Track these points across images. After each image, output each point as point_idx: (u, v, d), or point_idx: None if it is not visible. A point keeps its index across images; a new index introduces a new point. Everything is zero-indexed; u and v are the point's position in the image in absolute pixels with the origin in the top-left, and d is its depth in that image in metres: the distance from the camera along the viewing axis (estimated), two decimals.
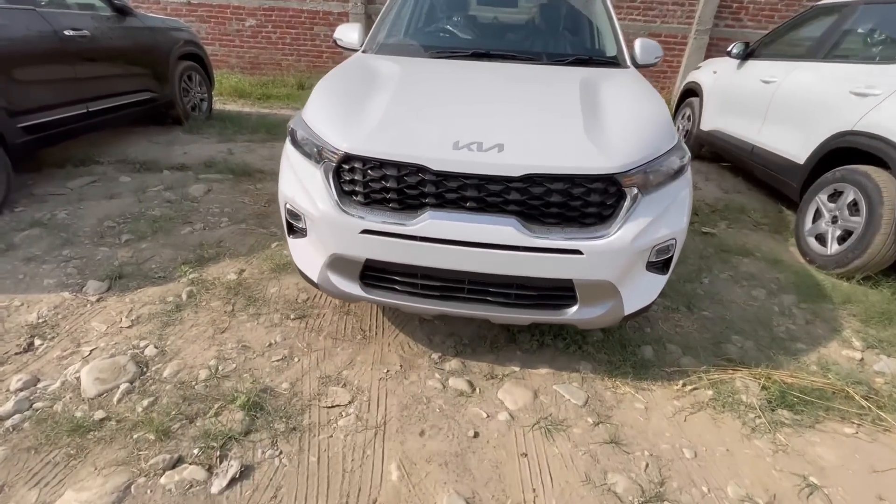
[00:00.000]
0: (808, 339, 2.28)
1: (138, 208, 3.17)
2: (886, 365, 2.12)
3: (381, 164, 1.61)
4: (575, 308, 1.73)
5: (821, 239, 2.88)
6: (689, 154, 1.79)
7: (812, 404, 1.85)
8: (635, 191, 1.60)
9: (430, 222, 1.58)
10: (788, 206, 3.80)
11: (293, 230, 1.95)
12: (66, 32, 3.38)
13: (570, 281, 1.65)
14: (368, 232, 1.64)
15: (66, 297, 2.25)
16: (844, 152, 2.75)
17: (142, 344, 2.00)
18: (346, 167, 1.67)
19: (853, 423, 1.80)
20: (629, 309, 1.76)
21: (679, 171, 1.73)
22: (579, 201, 1.57)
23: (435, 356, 2.05)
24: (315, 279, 1.88)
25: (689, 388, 1.93)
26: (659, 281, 1.84)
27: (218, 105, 6.38)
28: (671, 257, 1.77)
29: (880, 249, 2.48)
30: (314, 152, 1.76)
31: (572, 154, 1.56)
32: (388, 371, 1.95)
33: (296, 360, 1.99)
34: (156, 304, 2.26)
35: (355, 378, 1.90)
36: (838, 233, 2.75)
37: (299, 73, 7.99)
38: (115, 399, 1.70)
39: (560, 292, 1.72)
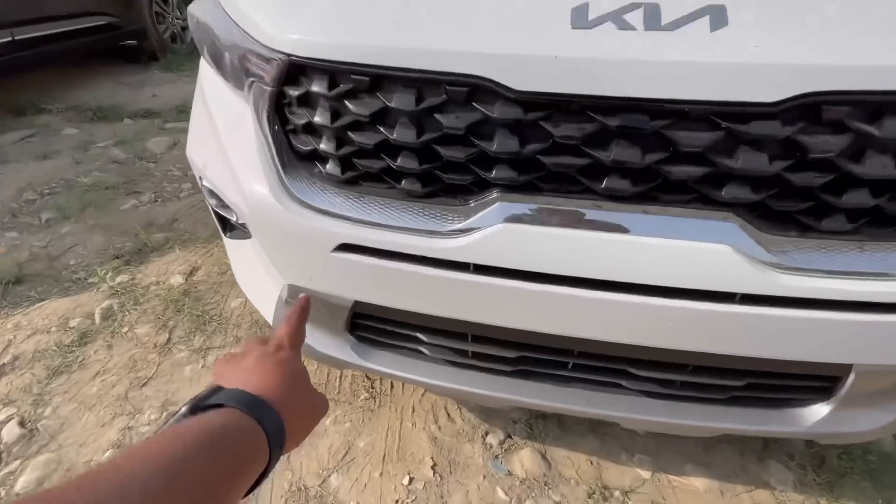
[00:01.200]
0: None
1: (73, 172, 2.32)
2: None
3: (376, 79, 0.63)
4: (823, 410, 0.76)
5: None
6: None
7: None
8: None
9: (502, 230, 0.62)
10: None
11: (227, 225, 1.03)
12: None
13: (850, 367, 0.67)
14: (353, 250, 0.70)
15: None
16: None
17: (1, 418, 1.20)
18: (295, 94, 0.69)
19: None
20: None
21: None
22: None
23: (493, 440, 1.16)
24: (269, 320, 0.98)
25: None
26: None
27: None
28: None
29: None
30: (234, 63, 0.79)
31: None
32: (411, 480, 1.08)
33: None
34: (51, 331, 1.45)
35: (351, 495, 1.05)
36: None
37: None
38: None
39: (794, 379, 0.75)
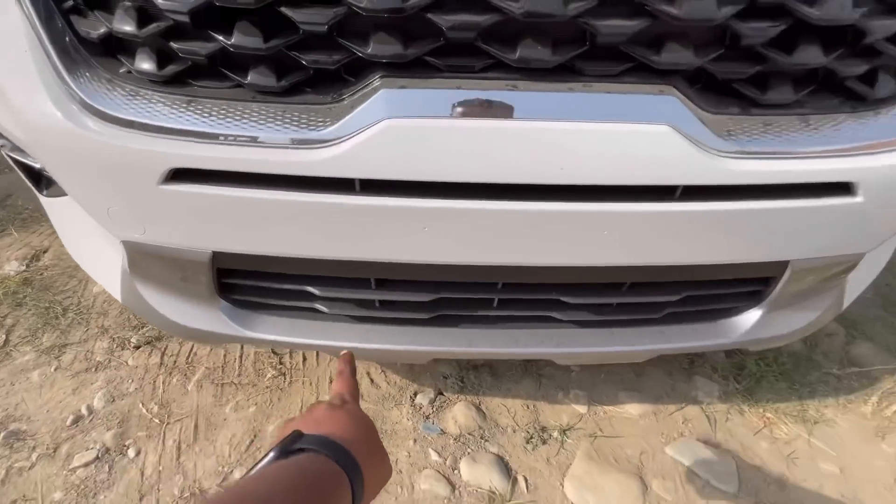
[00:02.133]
0: None
1: None
2: None
3: None
4: (755, 316, 0.73)
5: None
6: None
7: None
8: None
9: (390, 126, 0.46)
10: None
11: (39, 178, 0.76)
12: None
13: (785, 263, 0.62)
14: (192, 177, 0.50)
15: None
16: None
17: None
18: None
19: None
20: (850, 298, 0.78)
21: None
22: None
23: (422, 399, 1.05)
24: (119, 297, 0.75)
25: (892, 408, 1.06)
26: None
27: None
28: None
29: None
30: None
31: None
32: None
33: (133, 454, 0.93)
34: None
35: None
36: None
37: None
38: None
39: (727, 287, 0.70)
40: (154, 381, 1.08)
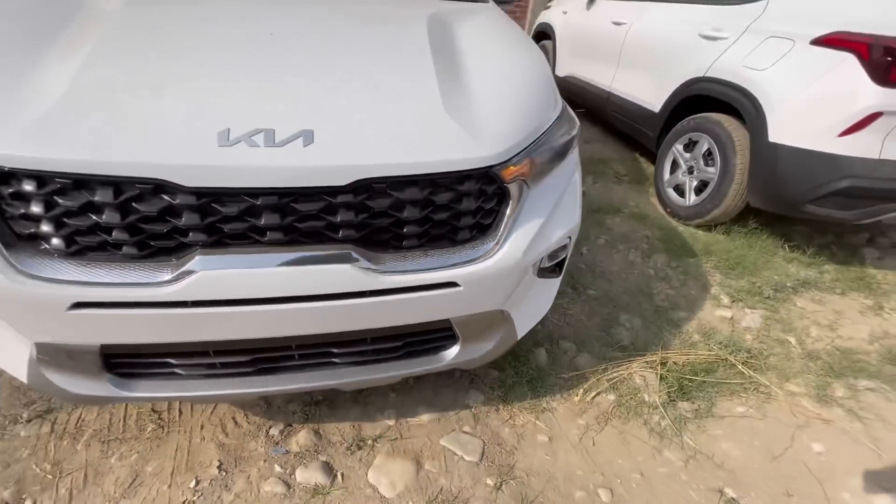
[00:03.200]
0: (685, 303, 2.21)
1: None
2: (751, 319, 2.14)
3: (79, 183, 0.85)
4: (455, 349, 1.26)
5: (679, 190, 2.88)
6: (577, 123, 1.36)
7: (704, 385, 1.73)
8: (520, 185, 1.12)
9: (204, 276, 0.91)
10: (642, 154, 3.85)
11: None
12: None
13: (448, 321, 1.15)
14: (86, 305, 0.90)
15: None
16: (699, 100, 2.69)
17: None
18: (8, 191, 0.86)
19: (741, 397, 1.73)
20: (522, 330, 1.36)
21: (567, 147, 1.30)
22: (446, 212, 1.04)
23: (275, 430, 1.44)
24: (25, 379, 1.07)
25: (591, 395, 1.67)
26: (553, 285, 1.46)
27: None
28: (565, 257, 1.38)
29: (734, 199, 2.50)
30: None
31: (430, 141, 0.99)
32: (197, 482, 1.28)
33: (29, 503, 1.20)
34: None
35: None
36: (695, 183, 2.75)
37: None
38: None
39: (434, 334, 1.22)
40: (46, 446, 1.34)
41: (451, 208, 1.04)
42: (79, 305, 0.90)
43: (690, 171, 2.79)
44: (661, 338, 1.97)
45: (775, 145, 2.25)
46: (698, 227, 2.77)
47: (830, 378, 1.84)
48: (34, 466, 1.28)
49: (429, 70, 1.16)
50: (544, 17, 4.84)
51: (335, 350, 1.14)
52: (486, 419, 1.55)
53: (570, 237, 1.31)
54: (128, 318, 0.92)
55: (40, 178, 0.84)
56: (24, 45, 1.00)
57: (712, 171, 2.60)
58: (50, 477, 1.26)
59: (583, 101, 4.08)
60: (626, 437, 1.54)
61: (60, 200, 0.85)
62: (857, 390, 1.80)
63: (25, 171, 0.83)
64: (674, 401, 1.67)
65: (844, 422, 1.66)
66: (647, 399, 1.66)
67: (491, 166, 1.03)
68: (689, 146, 2.79)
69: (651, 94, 3.06)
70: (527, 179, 1.13)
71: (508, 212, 1.11)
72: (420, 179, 0.98)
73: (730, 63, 2.47)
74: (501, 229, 1.11)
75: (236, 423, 1.46)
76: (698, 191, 2.73)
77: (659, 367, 1.77)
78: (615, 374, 1.74)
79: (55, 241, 0.90)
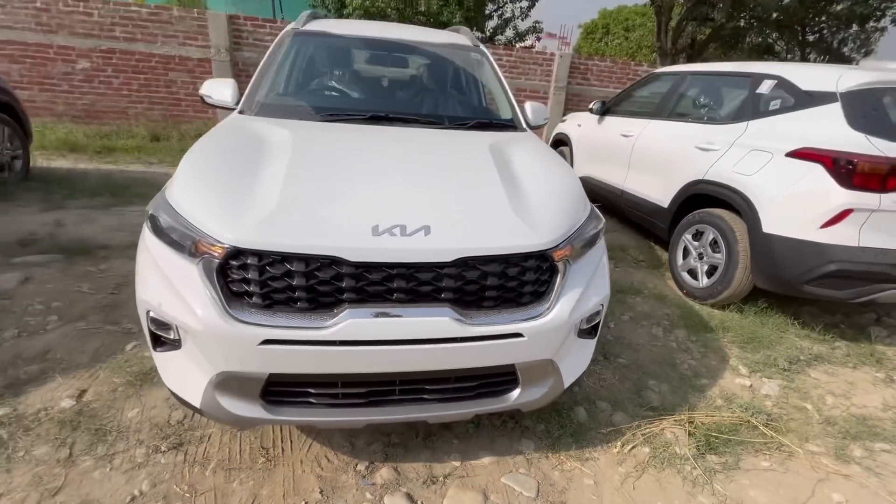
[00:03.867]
0: (707, 372, 2.47)
1: None
2: (769, 388, 2.37)
3: (284, 258, 1.31)
4: (517, 392, 1.59)
5: (692, 273, 3.26)
6: (602, 219, 1.82)
7: (731, 442, 1.95)
8: (565, 263, 1.55)
9: (351, 322, 1.32)
10: (656, 242, 4.30)
11: (161, 342, 1.50)
12: None
13: (513, 365, 1.51)
14: (271, 342, 1.30)
15: None
16: (702, 197, 3.19)
17: None
18: (236, 264, 1.33)
19: (765, 454, 1.94)
20: (568, 381, 1.68)
21: (596, 237, 1.74)
22: (515, 281, 1.46)
23: (361, 466, 1.72)
24: (198, 404, 1.44)
25: (628, 448, 1.91)
26: (590, 346, 1.80)
27: (41, 162, 5.18)
28: (599, 322, 1.75)
29: (741, 281, 2.86)
30: (188, 245, 1.38)
31: (504, 232, 1.45)
32: (305, 503, 1.56)
33: None
34: None
35: None
36: (706, 267, 3.14)
37: (152, 122, 6.99)
38: None
39: (500, 378, 1.57)
40: (182, 472, 1.65)
41: (518, 279, 1.46)
42: (266, 342, 1.30)
43: (700, 256, 3.19)
44: (687, 401, 2.22)
45: (769, 235, 2.66)
46: (713, 306, 3.10)
47: (847, 440, 2.04)
48: (175, 487, 1.59)
49: (497, 182, 1.67)
50: (560, 128, 5.66)
51: (427, 387, 1.50)
52: (538, 464, 1.80)
53: (602, 304, 1.70)
54: (295, 352, 1.32)
55: (259, 255, 1.31)
56: (238, 173, 1.55)
57: (719, 257, 3.00)
58: (188, 495, 1.56)
59: (599, 197, 4.65)
60: (663, 483, 1.76)
61: (269, 270, 1.30)
62: (873, 451, 1.99)
63: (251, 250, 1.30)
64: (703, 454, 1.90)
65: (862, 477, 1.84)
66: (678, 451, 1.89)
67: (545, 250, 1.47)
68: (697, 235, 3.22)
69: (660, 192, 3.59)
70: (569, 259, 1.56)
71: (557, 282, 1.52)
72: (498, 258, 1.42)
73: (723, 169, 3.00)
74: (553, 295, 1.51)
75: (328, 459, 1.75)
76: (709, 274, 3.10)
77: (687, 425, 2.02)
78: (648, 430, 1.99)
79: (255, 298, 1.34)
